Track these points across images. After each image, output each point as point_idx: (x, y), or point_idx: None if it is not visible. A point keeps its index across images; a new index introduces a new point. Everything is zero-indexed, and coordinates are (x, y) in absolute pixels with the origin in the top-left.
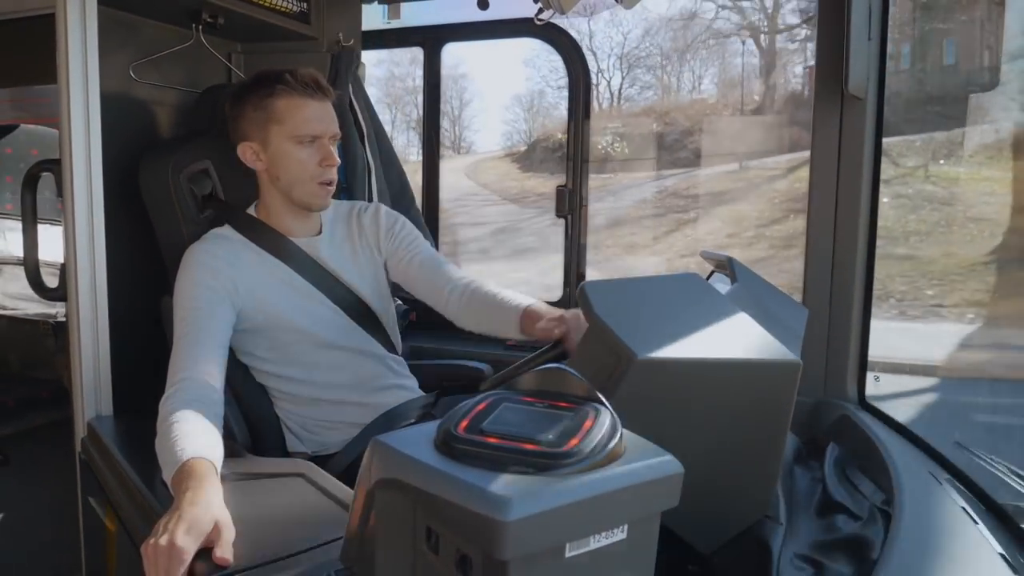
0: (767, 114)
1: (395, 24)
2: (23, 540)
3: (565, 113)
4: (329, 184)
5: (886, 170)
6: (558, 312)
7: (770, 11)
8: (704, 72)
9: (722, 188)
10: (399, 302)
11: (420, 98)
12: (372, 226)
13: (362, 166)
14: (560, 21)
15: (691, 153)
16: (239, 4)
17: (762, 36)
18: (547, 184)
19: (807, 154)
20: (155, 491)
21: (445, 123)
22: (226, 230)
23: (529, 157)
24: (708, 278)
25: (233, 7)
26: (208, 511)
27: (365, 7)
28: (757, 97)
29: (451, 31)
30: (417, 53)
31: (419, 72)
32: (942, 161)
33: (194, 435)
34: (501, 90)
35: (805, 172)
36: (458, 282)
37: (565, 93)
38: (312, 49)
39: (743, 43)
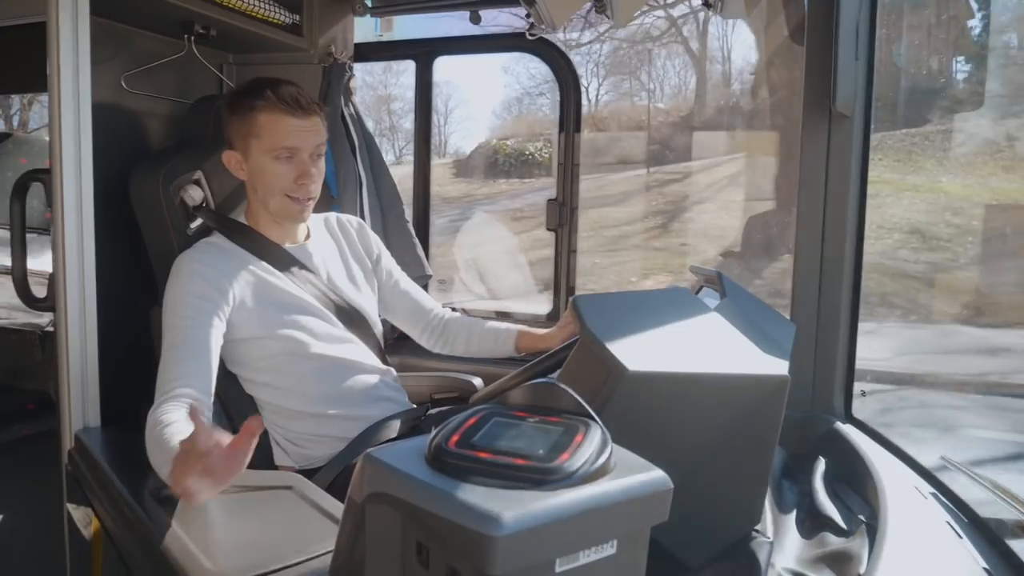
0: (695, 120)
1: (387, 37)
2: (7, 552)
3: (530, 117)
4: (305, 200)
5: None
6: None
7: (701, 23)
8: (650, 79)
9: (614, 192)
10: None
11: (393, 106)
12: (362, 239)
13: (353, 178)
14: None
15: (613, 158)
16: (231, 16)
17: (694, 46)
18: (464, 188)
19: (715, 160)
20: (143, 503)
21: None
22: (216, 238)
23: (468, 163)
24: (697, 293)
25: (225, 19)
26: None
27: (357, 19)
28: (688, 104)
29: (443, 44)
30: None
31: (391, 80)
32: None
33: (185, 432)
34: (480, 97)
35: (702, 176)
36: (443, 313)
37: (541, 99)
38: (304, 61)
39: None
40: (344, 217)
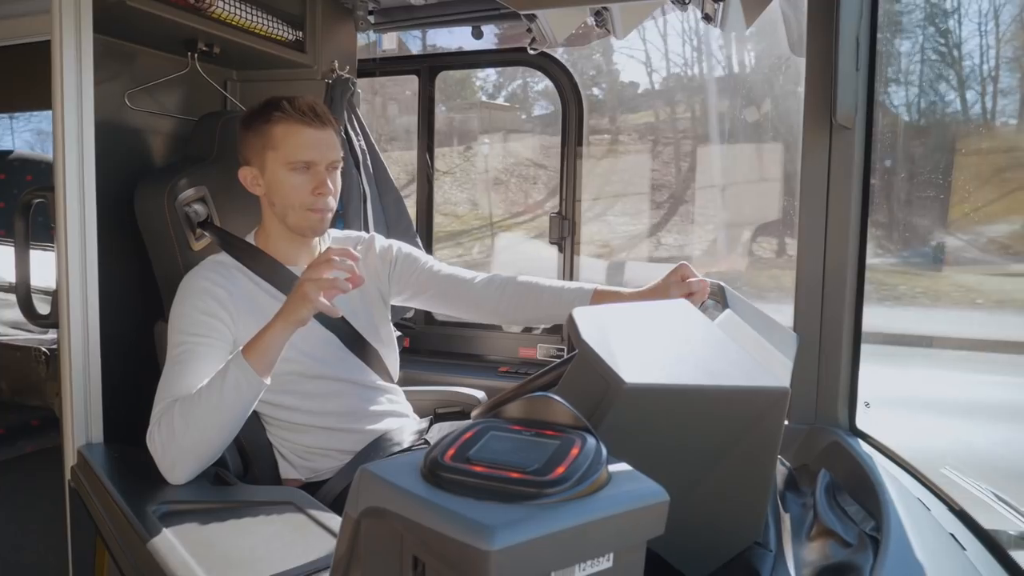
0: None
1: (390, 52)
2: (11, 568)
3: None
4: (323, 212)
5: None
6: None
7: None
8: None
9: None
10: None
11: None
12: (369, 256)
13: (357, 192)
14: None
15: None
16: (235, 33)
17: None
18: None
19: None
20: (145, 519)
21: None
22: (223, 257)
23: None
24: (700, 305)
25: (229, 36)
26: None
27: (360, 34)
28: None
29: (445, 59)
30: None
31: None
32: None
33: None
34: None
35: None
36: (492, 279)
37: None
38: (307, 77)
39: None
40: (357, 238)
